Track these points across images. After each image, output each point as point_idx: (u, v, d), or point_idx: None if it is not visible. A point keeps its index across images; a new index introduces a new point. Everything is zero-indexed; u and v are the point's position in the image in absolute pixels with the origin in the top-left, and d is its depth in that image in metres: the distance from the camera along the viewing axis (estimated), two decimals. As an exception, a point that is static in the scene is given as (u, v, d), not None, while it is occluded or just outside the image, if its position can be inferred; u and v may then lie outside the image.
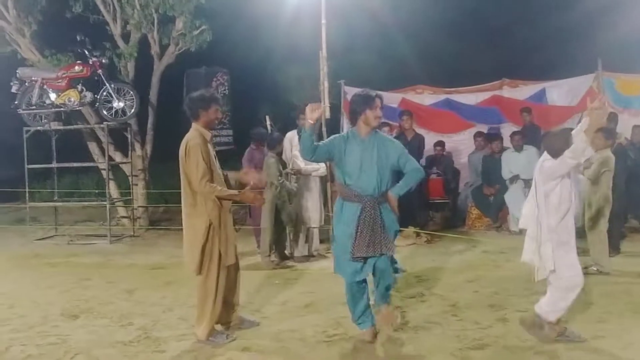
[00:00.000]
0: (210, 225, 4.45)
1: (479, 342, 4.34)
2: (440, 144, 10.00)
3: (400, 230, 8.22)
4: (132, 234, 9.92)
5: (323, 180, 7.96)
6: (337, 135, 4.62)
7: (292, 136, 7.78)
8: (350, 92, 10.59)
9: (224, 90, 11.60)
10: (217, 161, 4.66)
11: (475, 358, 4.06)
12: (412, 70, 14.25)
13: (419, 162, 4.89)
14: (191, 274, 4.62)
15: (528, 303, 5.25)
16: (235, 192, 4.63)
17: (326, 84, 8.31)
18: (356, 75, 11.18)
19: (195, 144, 4.44)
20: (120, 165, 10.65)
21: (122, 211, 10.62)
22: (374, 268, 4.31)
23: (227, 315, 4.73)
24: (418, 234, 8.42)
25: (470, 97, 10.74)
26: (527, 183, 8.93)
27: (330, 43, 8.29)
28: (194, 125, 4.60)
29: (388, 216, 4.31)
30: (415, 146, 8.64)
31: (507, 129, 10.21)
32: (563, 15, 14.32)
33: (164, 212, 11.63)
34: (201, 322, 4.55)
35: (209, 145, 4.59)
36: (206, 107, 4.56)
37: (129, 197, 10.56)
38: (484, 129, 10.20)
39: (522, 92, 10.41)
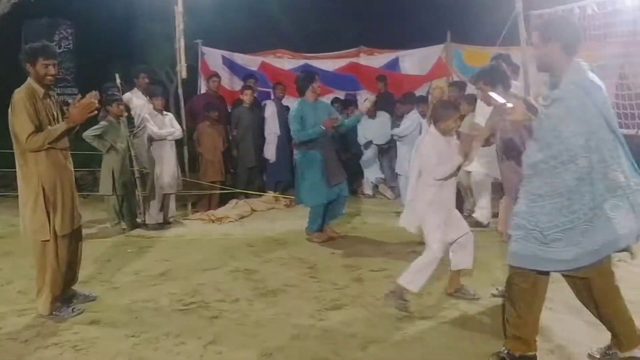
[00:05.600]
0: (42, 188, 4.05)
1: (336, 303, 4.43)
2: None
3: (260, 195, 8.35)
4: (-39, 202, 8.86)
5: (178, 144, 7.63)
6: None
7: (129, 97, 7.35)
8: (208, 52, 10.22)
9: (68, 44, 10.64)
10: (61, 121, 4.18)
11: (333, 318, 4.14)
12: (274, 33, 14.10)
13: None
14: (31, 244, 4.20)
15: (382, 262, 5.50)
16: (62, 123, 4.12)
17: (182, 43, 7.90)
18: (215, 35, 10.77)
19: (19, 98, 3.97)
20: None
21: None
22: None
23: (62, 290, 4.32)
24: (277, 198, 8.44)
25: (328, 63, 10.82)
26: (381, 148, 9.30)
27: (188, -1, 7.90)
28: (28, 79, 4.12)
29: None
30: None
31: (363, 96, 10.47)
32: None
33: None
34: (41, 295, 4.16)
35: (40, 103, 4.06)
36: (33, 61, 4.06)
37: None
38: (341, 95, 10.37)
39: (378, 60, 10.69)
